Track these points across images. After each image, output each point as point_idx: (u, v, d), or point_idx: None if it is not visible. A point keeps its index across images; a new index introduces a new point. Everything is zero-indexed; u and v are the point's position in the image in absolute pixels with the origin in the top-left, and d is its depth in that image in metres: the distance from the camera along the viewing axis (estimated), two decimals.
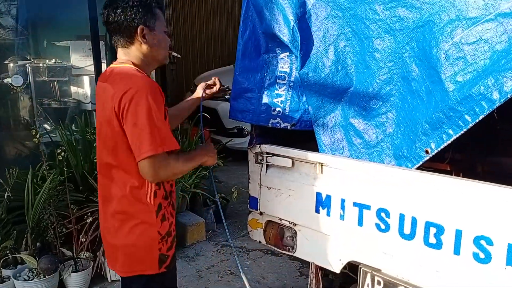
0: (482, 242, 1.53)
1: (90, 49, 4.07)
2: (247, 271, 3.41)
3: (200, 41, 8.16)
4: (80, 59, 4.16)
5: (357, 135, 1.90)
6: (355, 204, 1.87)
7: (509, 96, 1.38)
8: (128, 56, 1.66)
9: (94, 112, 4.11)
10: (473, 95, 1.46)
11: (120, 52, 1.69)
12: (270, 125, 2.11)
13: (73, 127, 3.95)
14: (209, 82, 2.18)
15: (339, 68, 1.89)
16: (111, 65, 1.72)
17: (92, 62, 4.04)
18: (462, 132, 1.53)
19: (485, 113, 1.44)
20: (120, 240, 1.68)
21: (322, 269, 2.32)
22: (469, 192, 1.55)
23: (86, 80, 4.17)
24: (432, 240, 1.65)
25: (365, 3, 1.74)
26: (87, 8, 3.97)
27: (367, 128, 1.86)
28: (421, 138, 1.66)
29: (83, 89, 4.22)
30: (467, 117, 1.49)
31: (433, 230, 1.65)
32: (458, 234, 1.58)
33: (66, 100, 4.24)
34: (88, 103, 4.17)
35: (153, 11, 1.63)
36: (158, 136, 1.52)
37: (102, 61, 4.04)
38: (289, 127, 2.07)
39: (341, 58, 1.88)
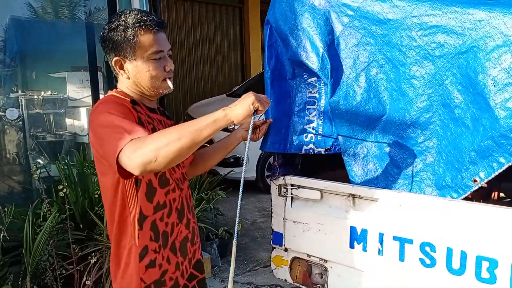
0: None
1: (87, 80, 3.93)
2: None
3: (191, 70, 8.08)
4: (77, 90, 4.00)
5: (394, 164, 1.80)
6: (395, 238, 1.76)
7: None
8: (120, 85, 1.49)
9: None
10: None
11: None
12: (303, 151, 2.00)
13: (67, 160, 3.76)
14: (257, 122, 1.82)
15: (371, 96, 1.81)
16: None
17: (90, 93, 3.89)
18: None
19: None
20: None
21: None
22: None
23: (83, 111, 4.00)
24: (485, 274, 1.55)
25: (400, 29, 1.67)
26: (83, 39, 3.86)
27: (405, 158, 1.76)
28: (468, 167, 1.57)
29: (80, 121, 4.04)
30: None
31: (485, 264, 1.55)
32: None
33: (61, 133, 4.05)
34: (85, 135, 3.98)
35: (130, 38, 1.39)
36: (122, 129, 1.26)
37: (100, 92, 3.89)
38: (323, 152, 1.96)
39: (373, 85, 1.80)
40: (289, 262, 2.15)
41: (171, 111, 7.49)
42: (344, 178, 1.98)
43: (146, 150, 1.18)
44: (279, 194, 2.14)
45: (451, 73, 1.58)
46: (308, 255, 2.05)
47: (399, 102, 1.74)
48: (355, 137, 1.88)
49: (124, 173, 1.25)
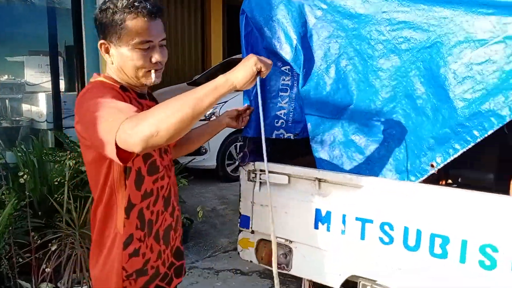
0: (488, 250, 1.57)
1: (47, 65, 3.77)
2: None
3: None
4: (36, 75, 3.82)
5: (358, 151, 1.89)
6: (357, 218, 1.85)
7: None
8: (108, 70, 1.42)
9: (49, 131, 3.77)
10: (483, 112, 1.51)
11: None
12: (273, 136, 2.05)
13: (23, 147, 3.58)
14: (240, 109, 1.84)
15: (340, 86, 1.89)
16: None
17: (49, 79, 3.73)
18: (469, 146, 1.57)
19: (494, 128, 1.50)
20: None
21: (314, 286, 2.26)
22: (473, 202, 1.59)
23: (41, 97, 3.83)
24: (438, 250, 1.66)
25: (370, 24, 1.76)
26: (43, 22, 3.69)
27: (369, 144, 1.86)
28: (426, 153, 1.68)
29: (38, 107, 3.86)
30: (475, 132, 1.54)
31: (438, 241, 1.66)
32: (464, 244, 1.61)
33: (18, 119, 3.86)
34: (43, 121, 3.82)
35: (117, 22, 1.31)
36: (116, 109, 1.20)
37: (60, 78, 3.74)
38: (292, 137, 2.02)
39: (342, 76, 1.88)
40: (255, 244, 2.19)
41: None
42: (312, 164, 2.05)
43: (146, 124, 1.10)
44: (248, 179, 2.17)
45: (415, 66, 1.69)
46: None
47: (365, 92, 1.83)
48: (323, 124, 1.95)
49: (123, 156, 1.16)
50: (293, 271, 2.08)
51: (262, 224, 2.14)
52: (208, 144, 5.19)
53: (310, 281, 2.20)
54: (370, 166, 1.87)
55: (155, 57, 1.36)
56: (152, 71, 1.38)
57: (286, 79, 2.01)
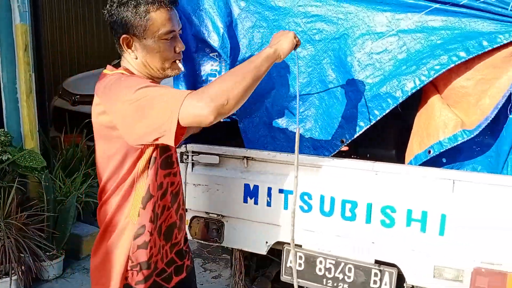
0: (388, 210, 1.87)
1: None
2: None
3: (62, 44, 7.44)
4: None
5: (280, 131, 2.10)
6: (280, 191, 2.07)
7: (409, 94, 1.73)
8: (123, 63, 1.42)
9: None
10: (381, 94, 1.79)
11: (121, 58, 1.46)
12: None
13: None
14: None
15: None
16: (105, 70, 1.45)
17: None
18: (371, 123, 1.85)
19: (390, 108, 1.78)
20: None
21: (245, 258, 2.46)
22: (376, 170, 1.88)
23: None
24: (348, 213, 1.94)
25: (288, 16, 1.95)
26: None
27: (289, 125, 2.08)
28: (337, 131, 1.94)
29: None
30: (376, 112, 1.81)
31: (348, 206, 1.94)
32: (369, 206, 1.90)
33: None
34: None
35: (141, 15, 1.31)
36: (167, 91, 1.26)
37: None
38: (228, 120, 2.18)
39: None
40: (189, 221, 2.33)
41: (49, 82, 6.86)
42: (241, 145, 2.23)
43: (215, 95, 1.16)
44: (181, 161, 2.30)
45: (327, 55, 1.92)
46: (207, 213, 2.26)
47: (285, 78, 2.03)
48: (249, 108, 2.13)
49: (178, 135, 1.20)
50: (225, 243, 2.26)
51: (195, 202, 2.29)
52: None
53: (240, 251, 2.41)
54: (292, 144, 2.09)
55: (179, 46, 1.39)
56: (177, 61, 1.41)
57: (214, 65, 2.16)
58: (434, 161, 1.98)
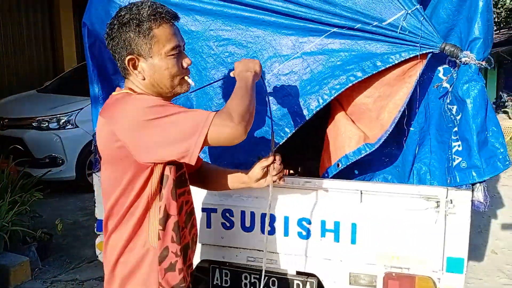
0: (304, 222, 1.95)
1: None
2: None
3: None
4: None
5: (202, 151, 2.13)
6: (202, 210, 2.09)
7: (314, 112, 1.83)
8: (129, 84, 1.36)
9: None
10: (290, 113, 1.88)
11: (125, 81, 1.39)
12: None
13: None
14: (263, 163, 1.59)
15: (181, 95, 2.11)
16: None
17: None
18: (284, 140, 1.93)
19: (298, 126, 1.87)
20: None
21: None
22: (291, 185, 1.96)
23: None
24: (268, 227, 2.00)
25: (201, 40, 2.00)
26: None
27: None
28: (254, 148, 2.00)
29: None
30: (286, 129, 1.90)
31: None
32: (286, 219, 1.97)
33: None
34: None
35: (145, 33, 1.26)
36: (188, 111, 1.27)
37: None
38: None
39: None
40: None
41: None
42: None
43: (243, 113, 1.21)
44: None
45: None
46: None
47: (202, 99, 2.08)
48: None
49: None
50: None
51: None
52: (65, 154, 4.99)
53: None
54: (213, 163, 2.14)
55: (186, 62, 1.35)
56: (186, 77, 1.37)
57: None
58: (347, 173, 2.10)
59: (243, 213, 2.03)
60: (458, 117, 1.73)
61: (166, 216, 1.32)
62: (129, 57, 1.29)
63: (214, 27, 1.98)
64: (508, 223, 4.90)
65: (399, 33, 1.71)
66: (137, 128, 1.21)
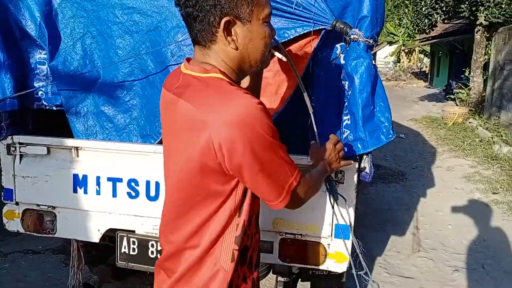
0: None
1: None
2: (4, 273, 3.17)
3: None
4: None
5: (108, 120, 2.13)
6: (109, 179, 2.10)
7: None
8: (207, 58, 1.11)
9: None
10: None
11: (197, 51, 1.14)
12: (35, 107, 2.15)
13: None
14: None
15: (87, 62, 2.08)
16: (183, 67, 1.16)
17: None
18: None
19: None
20: None
21: (84, 246, 2.46)
22: None
23: None
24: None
25: (106, 7, 1.98)
26: None
27: (116, 114, 2.12)
28: (159, 119, 2.02)
29: None
30: None
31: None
32: None
33: None
34: None
35: None
36: (287, 160, 1.11)
37: None
38: (54, 108, 2.16)
39: (88, 53, 2.08)
40: (20, 214, 2.27)
41: None
42: (69, 134, 2.21)
43: (309, 195, 1.20)
44: (8, 153, 2.22)
45: (145, 46, 1.99)
46: (38, 205, 2.22)
47: (109, 67, 2.06)
48: (76, 97, 2.13)
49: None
50: (58, 234, 2.24)
51: (25, 194, 2.23)
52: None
53: (77, 241, 2.40)
54: (120, 133, 2.14)
55: (274, 32, 1.16)
56: (275, 51, 1.27)
57: (42, 53, 2.11)
58: None
59: (148, 182, 2.06)
60: (349, 92, 1.81)
61: (245, 231, 1.15)
62: (225, 18, 1.05)
63: None
64: (435, 203, 5.20)
65: (295, 8, 1.76)
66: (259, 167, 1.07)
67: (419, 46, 25.59)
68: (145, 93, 2.05)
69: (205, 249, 1.12)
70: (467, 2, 9.61)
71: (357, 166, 1.85)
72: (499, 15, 9.59)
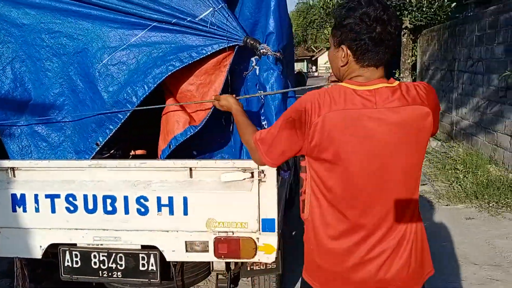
0: (142, 200, 2.14)
1: None
2: None
3: None
4: None
5: (42, 139, 2.21)
6: (46, 196, 2.18)
7: (141, 99, 2.02)
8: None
9: None
10: (121, 100, 2.04)
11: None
12: None
13: None
14: None
15: (18, 85, 2.16)
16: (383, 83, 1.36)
17: None
18: (118, 126, 2.09)
19: (129, 112, 2.05)
20: None
21: (28, 265, 2.50)
22: (127, 168, 2.13)
23: None
24: (109, 208, 2.16)
25: (33, 32, 2.08)
26: None
27: (50, 133, 2.21)
28: (92, 135, 2.14)
29: None
30: (120, 115, 2.07)
31: (109, 201, 2.16)
32: (126, 199, 2.14)
33: None
34: None
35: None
36: None
37: None
38: None
39: (18, 76, 2.16)
40: None
41: None
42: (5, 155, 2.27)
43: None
44: None
45: (74, 67, 2.11)
46: None
47: (40, 89, 2.16)
48: (9, 119, 2.20)
49: None
50: (2, 254, 2.29)
51: None
52: None
53: (20, 259, 2.44)
54: (54, 151, 2.23)
55: None
56: None
57: None
58: (188, 155, 2.32)
59: (85, 196, 2.16)
60: (263, 100, 2.03)
61: None
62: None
63: (45, 20, 2.07)
64: None
65: (210, 28, 1.95)
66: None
67: None
68: (77, 112, 2.16)
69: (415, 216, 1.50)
70: (392, 7, 10.29)
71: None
72: (422, 18, 10.35)
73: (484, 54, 7.15)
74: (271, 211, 2.08)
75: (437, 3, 10.14)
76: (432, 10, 10.26)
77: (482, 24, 7.23)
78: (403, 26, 11.14)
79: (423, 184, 5.93)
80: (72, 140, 2.19)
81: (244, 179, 2.07)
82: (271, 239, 2.11)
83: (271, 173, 2.07)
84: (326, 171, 1.35)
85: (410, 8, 10.38)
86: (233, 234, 2.14)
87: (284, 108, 1.99)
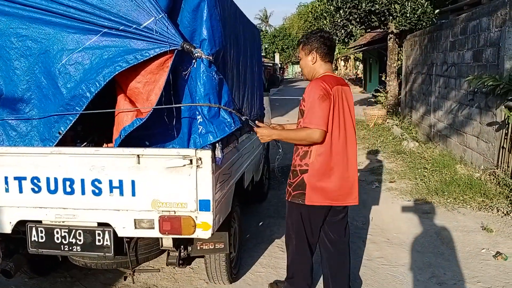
0: (96, 183, 2.45)
1: None
2: None
3: None
4: None
5: (12, 129, 2.52)
6: (15, 178, 2.49)
7: (94, 94, 2.32)
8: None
9: None
10: (77, 95, 2.35)
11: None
12: None
13: None
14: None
15: None
16: (332, 73, 2.72)
17: None
18: (77, 117, 2.40)
19: (85, 105, 2.36)
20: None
21: (2, 241, 2.81)
22: (84, 154, 2.44)
23: None
24: (68, 189, 2.47)
25: (4, 36, 2.38)
26: None
27: (19, 123, 2.51)
28: (55, 125, 2.44)
29: None
30: (77, 108, 2.37)
31: (68, 183, 2.47)
32: (82, 181, 2.46)
33: None
34: None
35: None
36: None
37: None
38: None
39: None
40: None
41: None
42: None
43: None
44: None
45: (38, 66, 2.41)
46: None
47: (10, 85, 2.46)
48: None
49: None
50: None
51: None
52: None
53: None
54: (23, 139, 2.52)
55: None
56: None
57: None
58: (142, 145, 2.63)
59: (48, 179, 2.47)
60: (197, 98, 2.34)
61: None
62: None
63: (13, 26, 2.37)
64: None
65: (152, 34, 2.26)
66: None
67: (353, 54, 27.03)
68: (42, 105, 2.47)
69: None
70: (377, 13, 10.60)
71: (211, 153, 2.37)
72: (406, 24, 10.65)
73: (456, 59, 7.44)
74: (207, 193, 2.39)
75: (420, 9, 10.44)
76: (416, 16, 10.56)
77: (455, 31, 7.52)
78: (388, 31, 11.45)
79: (391, 182, 6.22)
80: (38, 130, 2.49)
81: (184, 165, 2.38)
82: (207, 217, 2.41)
83: (206, 160, 2.38)
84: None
85: (395, 13, 10.68)
86: (175, 213, 2.45)
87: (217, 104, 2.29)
